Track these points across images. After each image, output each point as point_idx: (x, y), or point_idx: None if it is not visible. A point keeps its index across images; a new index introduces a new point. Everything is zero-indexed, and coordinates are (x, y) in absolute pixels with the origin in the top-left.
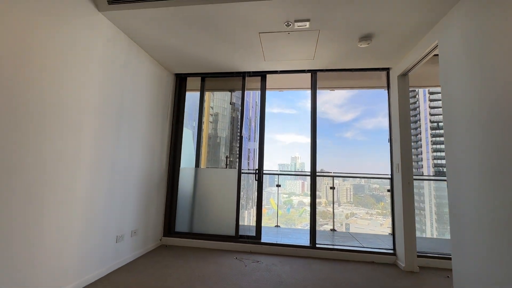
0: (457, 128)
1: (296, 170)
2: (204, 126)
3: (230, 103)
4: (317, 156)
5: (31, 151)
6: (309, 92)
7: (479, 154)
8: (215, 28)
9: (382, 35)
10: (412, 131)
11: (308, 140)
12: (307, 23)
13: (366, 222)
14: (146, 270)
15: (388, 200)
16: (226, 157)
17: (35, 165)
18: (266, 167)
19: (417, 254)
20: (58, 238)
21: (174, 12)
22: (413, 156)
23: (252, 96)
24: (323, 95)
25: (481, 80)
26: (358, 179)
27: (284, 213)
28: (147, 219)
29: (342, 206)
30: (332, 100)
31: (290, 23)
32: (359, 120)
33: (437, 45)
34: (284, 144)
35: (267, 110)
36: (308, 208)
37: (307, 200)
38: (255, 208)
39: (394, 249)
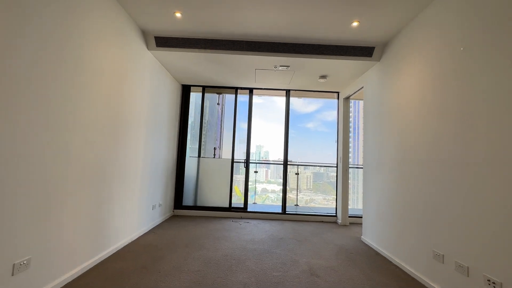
0: (368, 134)
1: (261, 158)
2: (203, 124)
3: (217, 104)
4: (280, 145)
5: (120, 151)
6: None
7: (377, 157)
8: (224, 64)
9: (333, 76)
10: (351, 130)
11: (272, 128)
12: (287, 68)
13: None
14: (172, 228)
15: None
16: (214, 149)
17: (123, 160)
18: (235, 155)
19: (349, 216)
20: (129, 206)
21: (198, 54)
22: (350, 151)
23: (229, 98)
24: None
25: (378, 106)
26: (318, 167)
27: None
28: (166, 195)
29: (302, 193)
30: None
31: (276, 66)
32: (320, 111)
33: (363, 86)
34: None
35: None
36: (271, 195)
37: (270, 187)
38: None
39: (336, 213)
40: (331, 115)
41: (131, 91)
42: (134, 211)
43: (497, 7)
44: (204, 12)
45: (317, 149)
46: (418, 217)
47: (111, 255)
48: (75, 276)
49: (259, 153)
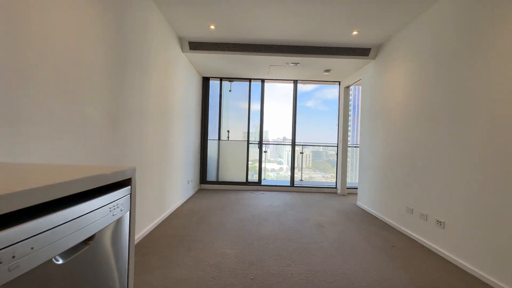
0: (364, 121)
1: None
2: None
3: (229, 90)
4: (280, 124)
5: (169, 137)
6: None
7: (371, 141)
8: (244, 61)
9: (336, 70)
10: (351, 113)
11: (271, 108)
12: (297, 64)
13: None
14: (203, 198)
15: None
16: (228, 131)
17: (171, 144)
18: (234, 136)
19: (347, 187)
20: (174, 182)
21: (222, 55)
22: (349, 130)
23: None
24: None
25: (372, 95)
26: (317, 146)
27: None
28: (194, 172)
29: (303, 172)
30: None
31: (288, 63)
32: (320, 89)
33: (361, 78)
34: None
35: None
36: (271, 174)
37: (270, 166)
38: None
39: (336, 186)
40: (332, 93)
41: (171, 86)
42: (177, 185)
43: (457, 30)
44: (233, 24)
45: (317, 128)
46: (396, 186)
47: (168, 216)
48: (152, 229)
49: (261, 131)
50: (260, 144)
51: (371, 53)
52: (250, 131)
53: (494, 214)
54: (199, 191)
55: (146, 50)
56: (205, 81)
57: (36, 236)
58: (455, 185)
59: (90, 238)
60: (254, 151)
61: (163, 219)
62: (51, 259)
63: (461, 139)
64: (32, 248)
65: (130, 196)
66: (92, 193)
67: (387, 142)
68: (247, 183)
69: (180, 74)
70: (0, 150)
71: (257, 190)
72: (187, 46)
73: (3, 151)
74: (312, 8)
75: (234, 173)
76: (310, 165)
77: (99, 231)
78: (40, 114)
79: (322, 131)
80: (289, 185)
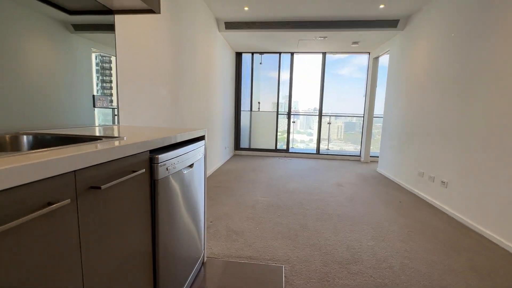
0: (389, 91)
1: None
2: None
3: (260, 63)
4: (311, 95)
5: (213, 107)
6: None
7: (397, 110)
8: (274, 37)
9: (364, 42)
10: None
11: (303, 78)
12: (325, 38)
13: None
14: (237, 161)
15: (378, 137)
16: (258, 103)
17: (211, 114)
18: (265, 104)
19: (370, 156)
20: (215, 146)
21: (255, 34)
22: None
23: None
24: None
25: (398, 67)
26: (350, 117)
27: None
28: (230, 140)
29: (332, 143)
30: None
31: (315, 37)
32: (356, 56)
33: (388, 50)
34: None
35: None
36: (300, 145)
37: (299, 137)
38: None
39: (360, 154)
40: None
41: (211, 63)
42: (217, 150)
43: (481, 4)
44: (265, 4)
45: (352, 96)
46: (411, 152)
47: (212, 174)
48: None
49: (286, 103)
50: (289, 114)
51: (400, 24)
52: (280, 102)
53: (491, 175)
54: (234, 156)
55: (193, 34)
56: (238, 55)
57: (177, 158)
58: (460, 150)
59: (191, 165)
60: (283, 121)
61: (208, 176)
62: (181, 169)
63: (469, 112)
64: (175, 163)
65: (205, 146)
66: (190, 142)
67: (406, 111)
68: (276, 150)
69: (217, 52)
70: (127, 119)
71: (284, 157)
72: (223, 26)
73: (127, 120)
74: None
75: (264, 141)
76: (342, 137)
77: (195, 161)
78: (137, 95)
79: (355, 100)
80: (315, 152)
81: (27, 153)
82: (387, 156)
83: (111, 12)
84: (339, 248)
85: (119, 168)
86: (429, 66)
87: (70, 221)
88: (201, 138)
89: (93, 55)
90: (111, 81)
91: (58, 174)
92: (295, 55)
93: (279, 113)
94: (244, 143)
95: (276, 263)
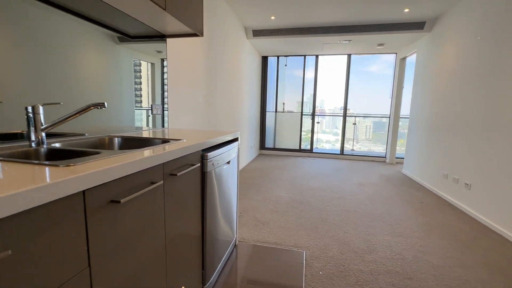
0: (416, 91)
1: (316, 108)
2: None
3: (285, 65)
4: (337, 95)
5: (238, 111)
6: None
7: (423, 111)
8: (299, 42)
9: (389, 44)
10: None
11: (329, 77)
12: (350, 41)
13: None
14: (263, 160)
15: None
16: (283, 104)
17: (238, 119)
18: (289, 105)
19: (396, 157)
20: (243, 145)
21: (281, 39)
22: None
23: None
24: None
25: (424, 68)
26: (369, 117)
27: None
28: (255, 140)
29: (360, 143)
30: None
31: (340, 41)
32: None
33: (415, 51)
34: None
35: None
36: (325, 145)
37: (325, 137)
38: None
39: (385, 155)
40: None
41: (239, 67)
42: (244, 149)
43: (507, 8)
44: (290, 13)
45: (379, 95)
46: (437, 154)
47: (239, 171)
48: None
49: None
50: (313, 115)
51: (426, 26)
52: (305, 101)
53: None
54: (259, 155)
55: (224, 43)
56: (264, 59)
57: (219, 156)
58: (484, 153)
59: (228, 162)
60: (308, 121)
61: None
62: (222, 165)
63: (494, 116)
64: (218, 159)
65: (238, 146)
66: (227, 142)
67: (432, 113)
68: (300, 150)
69: (245, 57)
70: (172, 123)
71: (308, 157)
72: (251, 34)
73: (175, 124)
74: None
75: (288, 141)
76: (370, 137)
77: (231, 159)
78: (181, 103)
79: (384, 99)
80: (339, 153)
81: (136, 151)
82: (412, 157)
83: (163, 36)
84: (356, 240)
85: (185, 162)
86: (455, 69)
87: (161, 195)
88: (235, 139)
89: (148, 65)
90: (141, 89)
91: (156, 164)
92: (320, 57)
93: (303, 113)
94: (269, 143)
95: (297, 249)
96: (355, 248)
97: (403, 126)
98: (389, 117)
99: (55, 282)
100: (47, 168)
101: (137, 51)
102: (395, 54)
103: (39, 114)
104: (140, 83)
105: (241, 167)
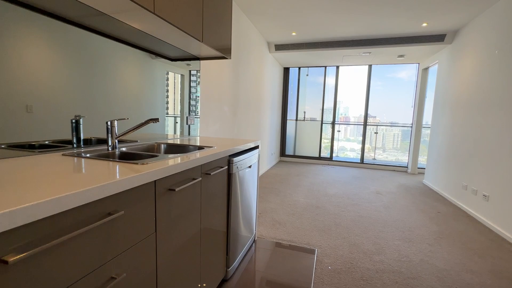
0: (437, 103)
1: (340, 114)
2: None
3: (306, 75)
4: (360, 100)
5: (260, 120)
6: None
7: (440, 124)
8: (319, 55)
9: (410, 55)
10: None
11: (352, 83)
12: (369, 53)
13: None
14: (283, 167)
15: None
16: (304, 112)
17: (260, 127)
18: (310, 113)
19: (418, 167)
20: (263, 152)
21: (302, 52)
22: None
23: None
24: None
25: (445, 80)
26: (388, 126)
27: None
28: (276, 146)
29: (386, 152)
30: None
31: (359, 53)
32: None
33: (437, 61)
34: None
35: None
36: (349, 153)
37: (349, 145)
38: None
39: (407, 165)
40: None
41: (262, 80)
42: (265, 155)
43: None
44: (310, 29)
45: (405, 103)
46: (457, 165)
47: (260, 176)
48: None
49: (338, 108)
50: (333, 124)
51: (447, 38)
52: (325, 108)
53: None
54: (279, 162)
55: (248, 57)
56: (286, 70)
57: (242, 160)
58: (503, 166)
59: (250, 166)
60: (329, 129)
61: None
62: (244, 168)
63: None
64: (241, 163)
65: (258, 153)
66: (249, 149)
67: (453, 124)
68: (319, 158)
69: (267, 69)
70: (202, 132)
71: (328, 165)
72: (274, 48)
73: (203, 132)
74: (379, 9)
75: (308, 149)
76: (398, 146)
77: (252, 164)
78: (209, 113)
79: (408, 107)
80: (359, 161)
81: (182, 155)
82: (433, 167)
83: (198, 59)
84: (366, 243)
85: (216, 164)
86: (475, 81)
87: (199, 188)
88: (256, 147)
89: (175, 76)
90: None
91: (196, 165)
92: (340, 67)
93: (323, 122)
94: (289, 150)
95: (310, 247)
96: (364, 249)
97: (427, 135)
98: (411, 126)
99: (141, 235)
100: (132, 165)
101: (169, 64)
102: (417, 64)
103: (115, 126)
104: (167, 91)
105: (261, 172)
